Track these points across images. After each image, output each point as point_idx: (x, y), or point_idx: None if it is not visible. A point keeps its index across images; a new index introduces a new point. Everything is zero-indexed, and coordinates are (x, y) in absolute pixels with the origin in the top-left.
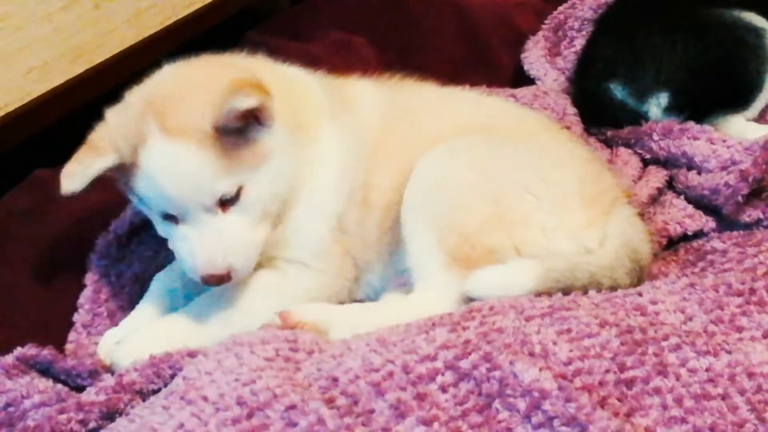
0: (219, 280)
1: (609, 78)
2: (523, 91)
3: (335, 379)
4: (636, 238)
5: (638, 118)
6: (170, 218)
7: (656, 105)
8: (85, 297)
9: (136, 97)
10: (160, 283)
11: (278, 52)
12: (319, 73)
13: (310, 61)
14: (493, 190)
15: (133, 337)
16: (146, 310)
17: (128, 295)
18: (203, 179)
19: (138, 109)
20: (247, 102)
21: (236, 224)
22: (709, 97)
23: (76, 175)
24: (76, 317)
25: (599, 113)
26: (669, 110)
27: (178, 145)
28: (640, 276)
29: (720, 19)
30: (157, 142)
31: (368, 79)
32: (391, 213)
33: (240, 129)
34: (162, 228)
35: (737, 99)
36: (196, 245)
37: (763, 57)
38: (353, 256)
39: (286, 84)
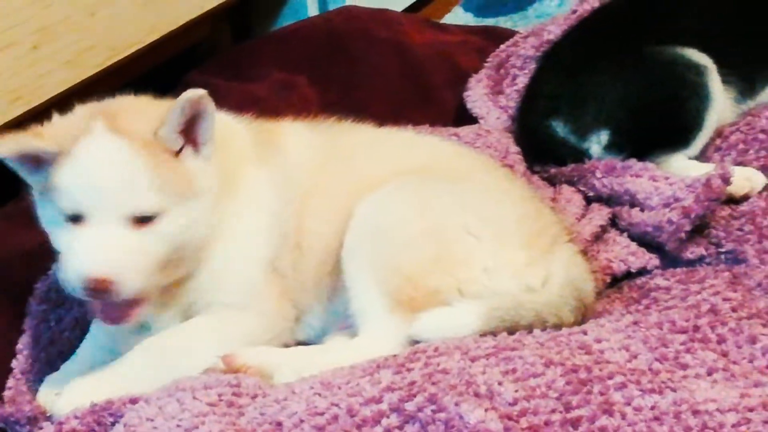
0: (98, 287)
1: (552, 115)
2: (465, 130)
3: (279, 424)
4: (579, 276)
5: (580, 155)
6: (75, 220)
7: (597, 143)
8: (23, 342)
9: (85, 106)
10: (101, 325)
11: (219, 92)
12: (247, 117)
13: (252, 101)
14: (433, 232)
15: (74, 386)
16: (87, 353)
17: (68, 340)
18: (132, 183)
19: (87, 112)
20: (192, 96)
21: (140, 244)
22: (649, 136)
23: (8, 141)
24: (14, 363)
25: (542, 151)
26: (609, 148)
27: (120, 142)
28: (584, 314)
29: (661, 57)
30: (101, 135)
31: (302, 123)
32: (330, 258)
33: (178, 151)
34: (59, 231)
35: (678, 138)
36: (89, 244)
37: (703, 95)
38: (292, 299)
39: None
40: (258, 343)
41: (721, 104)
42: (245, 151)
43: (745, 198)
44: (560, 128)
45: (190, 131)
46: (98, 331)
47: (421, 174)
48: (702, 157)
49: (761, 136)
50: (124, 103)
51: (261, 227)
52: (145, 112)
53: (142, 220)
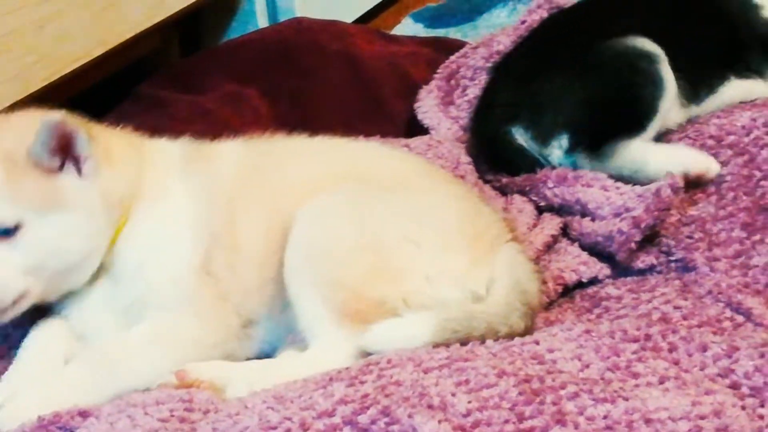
0: None
1: (511, 122)
2: (416, 141)
3: None
4: (523, 277)
5: (538, 162)
6: None
7: (558, 147)
8: None
9: None
10: (39, 333)
11: (169, 105)
12: (185, 138)
13: (201, 113)
14: (372, 242)
15: (17, 397)
16: (26, 365)
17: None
18: None
19: None
20: (49, 121)
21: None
22: (606, 128)
23: None
24: None
25: (500, 158)
26: (570, 151)
27: None
28: (533, 317)
29: (613, 50)
30: None
31: (238, 140)
32: (270, 261)
33: (53, 168)
34: None
35: (633, 124)
36: None
37: (657, 81)
38: (233, 303)
39: (132, 152)
40: (201, 349)
41: (673, 92)
42: (171, 166)
43: (699, 180)
44: (520, 135)
45: (70, 149)
46: (37, 338)
47: (355, 181)
48: None
49: (710, 142)
50: (12, 119)
51: (182, 230)
52: (24, 130)
53: (6, 234)
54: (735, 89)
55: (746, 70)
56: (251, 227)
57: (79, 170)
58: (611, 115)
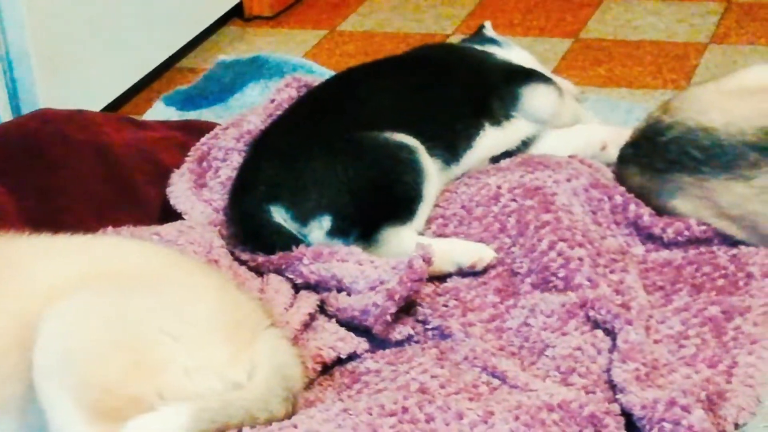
0: None
1: (272, 201)
2: (167, 228)
3: None
4: (285, 362)
5: (297, 241)
6: None
7: (318, 228)
8: None
9: None
10: None
11: None
12: None
13: None
14: (127, 338)
15: None
16: None
17: None
18: None
19: None
20: None
21: None
22: (373, 215)
23: None
24: None
25: (256, 237)
26: (332, 233)
27: None
28: (294, 402)
29: (374, 141)
30: None
31: None
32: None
33: None
34: None
35: (401, 211)
36: None
37: (417, 169)
38: None
39: None
40: None
41: (435, 178)
42: None
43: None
44: (280, 214)
45: None
46: None
47: (104, 280)
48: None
49: (461, 212)
50: None
51: None
52: None
53: None
54: (490, 139)
55: (498, 110)
56: None
57: None
58: (378, 202)
